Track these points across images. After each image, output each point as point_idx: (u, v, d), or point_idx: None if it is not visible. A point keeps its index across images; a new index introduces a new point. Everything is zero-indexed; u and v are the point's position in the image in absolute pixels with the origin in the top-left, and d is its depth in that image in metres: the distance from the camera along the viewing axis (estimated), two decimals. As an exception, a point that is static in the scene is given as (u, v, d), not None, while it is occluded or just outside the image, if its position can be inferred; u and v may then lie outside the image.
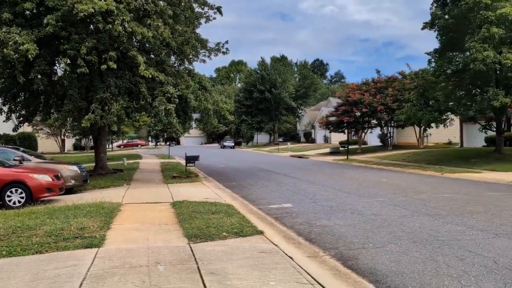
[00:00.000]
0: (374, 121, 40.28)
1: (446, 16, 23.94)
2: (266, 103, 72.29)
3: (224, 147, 71.44)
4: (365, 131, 43.04)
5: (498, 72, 21.92)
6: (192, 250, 6.67)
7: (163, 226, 8.61)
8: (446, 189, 14.55)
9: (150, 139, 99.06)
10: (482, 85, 23.33)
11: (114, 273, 5.49)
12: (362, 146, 43.08)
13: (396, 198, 12.61)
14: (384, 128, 41.20)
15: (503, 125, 25.01)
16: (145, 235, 7.77)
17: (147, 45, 17.96)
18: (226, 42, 20.23)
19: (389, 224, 8.87)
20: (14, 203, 11.58)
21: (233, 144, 73.22)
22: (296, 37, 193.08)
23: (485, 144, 32.51)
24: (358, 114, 37.34)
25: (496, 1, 20.47)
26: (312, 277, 5.50)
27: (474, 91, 24.31)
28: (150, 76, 15.72)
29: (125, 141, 78.96)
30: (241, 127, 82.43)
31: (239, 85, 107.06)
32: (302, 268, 5.90)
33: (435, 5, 25.41)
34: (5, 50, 13.69)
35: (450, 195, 13.09)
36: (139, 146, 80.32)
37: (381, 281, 5.49)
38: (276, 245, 7.13)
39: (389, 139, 41.63)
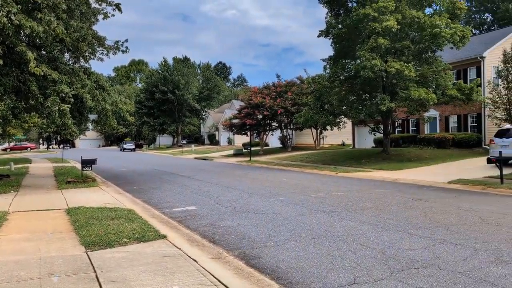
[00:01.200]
0: (275, 124, 41.68)
1: (340, 26, 25.62)
2: (169, 104, 71.07)
3: (124, 149, 68.71)
4: (267, 133, 44.34)
5: (384, 79, 23.95)
6: (89, 259, 6.33)
7: (57, 234, 8.04)
8: (340, 188, 15.55)
9: (41, 141, 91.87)
10: (371, 91, 25.34)
11: (-1, 288, 5.01)
12: (264, 147, 44.30)
13: (295, 197, 13.17)
14: (284, 130, 42.80)
15: (389, 127, 27.36)
16: (37, 245, 7.20)
17: (37, 40, 16.62)
18: (126, 40, 19.45)
19: (289, 222, 9.24)
20: None
21: (134, 146, 70.65)
22: (198, 39, 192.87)
23: (374, 145, 35.33)
24: (260, 116, 38.38)
25: (382, 14, 22.37)
26: (216, 278, 5.53)
27: (364, 96, 26.29)
28: (42, 74, 14.57)
29: (12, 144, 72.29)
30: (143, 129, 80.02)
31: (140, 85, 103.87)
32: (206, 270, 5.90)
33: (329, 14, 27.06)
34: None
35: (344, 193, 14.01)
36: (29, 149, 74.06)
37: (282, 278, 5.70)
38: (179, 249, 7.05)
39: (289, 141, 43.35)
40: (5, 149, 70.27)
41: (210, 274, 5.72)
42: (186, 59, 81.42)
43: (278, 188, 15.61)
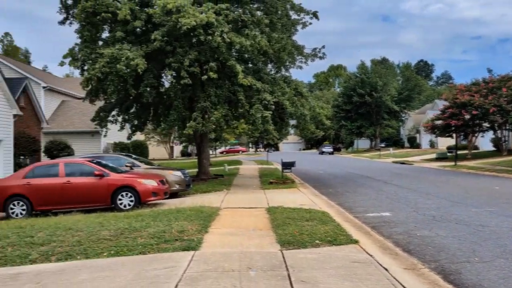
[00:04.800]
0: (485, 124, 37.01)
1: None
2: (366, 107, 70.19)
3: (322, 153, 70.76)
4: (476, 135, 39.74)
5: None
6: (283, 257, 6.69)
7: (257, 231, 8.76)
8: None
9: (250, 145, 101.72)
10: None
11: (207, 276, 5.72)
12: (473, 151, 39.89)
13: (509, 208, 11.43)
14: (498, 131, 37.63)
15: None
16: (239, 240, 7.98)
17: (245, 54, 18.55)
18: (323, 47, 20.15)
19: (499, 236, 8.06)
20: (125, 206, 12.64)
21: (331, 150, 72.17)
22: (398, 38, 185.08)
23: None
24: (467, 117, 34.63)
25: None
26: (407, 291, 5.21)
27: None
28: (248, 84, 16.19)
29: (227, 148, 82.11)
30: (340, 132, 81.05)
31: (338, 89, 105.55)
32: (397, 280, 5.61)
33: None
34: (118, 65, 15.06)
35: None
36: (240, 152, 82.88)
37: (487, 301, 5.02)
38: (370, 255, 6.87)
39: (504, 144, 37.90)
40: (221, 152, 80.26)
41: (402, 285, 5.41)
42: (384, 60, 79.29)
43: (487, 197, 13.79)
